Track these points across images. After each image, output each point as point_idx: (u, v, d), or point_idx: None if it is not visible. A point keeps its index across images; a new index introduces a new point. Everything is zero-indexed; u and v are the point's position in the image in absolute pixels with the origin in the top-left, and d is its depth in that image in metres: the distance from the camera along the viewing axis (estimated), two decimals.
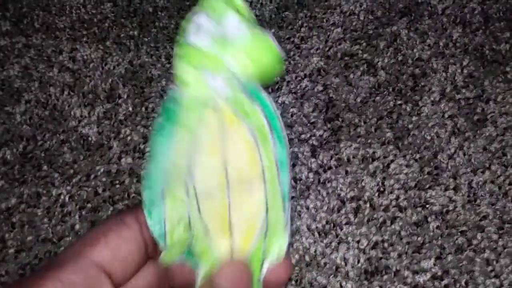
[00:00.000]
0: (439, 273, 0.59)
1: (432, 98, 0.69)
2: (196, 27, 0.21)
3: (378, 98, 0.69)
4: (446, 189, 0.63)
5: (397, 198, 0.63)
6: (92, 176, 0.66)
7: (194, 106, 0.21)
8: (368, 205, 0.63)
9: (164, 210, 0.22)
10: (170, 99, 0.22)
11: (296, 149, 0.67)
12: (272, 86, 0.71)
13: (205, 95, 0.21)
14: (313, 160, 0.66)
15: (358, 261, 0.60)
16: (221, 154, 0.22)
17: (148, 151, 0.22)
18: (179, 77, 0.21)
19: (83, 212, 0.64)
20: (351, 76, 0.71)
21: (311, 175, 0.65)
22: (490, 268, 0.59)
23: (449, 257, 0.59)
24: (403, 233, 0.61)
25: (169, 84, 0.72)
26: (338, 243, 0.61)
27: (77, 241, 0.21)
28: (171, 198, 0.22)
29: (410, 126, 0.67)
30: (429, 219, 0.62)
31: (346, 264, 0.60)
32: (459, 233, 0.61)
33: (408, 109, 0.68)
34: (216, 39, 0.21)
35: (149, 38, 0.76)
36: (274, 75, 0.22)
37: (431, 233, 0.61)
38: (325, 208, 0.63)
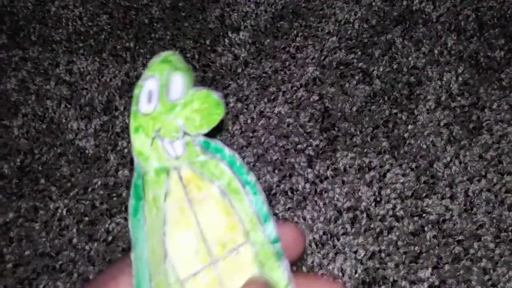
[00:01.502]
0: (436, 283, 0.59)
1: (427, 107, 0.69)
2: (148, 94, 0.21)
3: (373, 107, 0.70)
4: (442, 198, 0.63)
5: (394, 207, 0.63)
6: (90, 189, 0.66)
7: (158, 179, 0.21)
8: (365, 215, 0.63)
9: None
10: (137, 175, 0.21)
11: (292, 160, 0.67)
12: (268, 97, 0.71)
13: (167, 165, 0.21)
14: (309, 170, 0.66)
15: (356, 272, 0.60)
16: (195, 224, 0.21)
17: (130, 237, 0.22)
18: (138, 151, 0.21)
19: (81, 226, 0.64)
20: (347, 85, 0.71)
21: (307, 185, 0.65)
22: (487, 277, 0.59)
23: (446, 267, 0.59)
24: (400, 243, 0.61)
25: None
26: (335, 254, 0.61)
27: (89, 284, 0.21)
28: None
29: (406, 135, 0.67)
30: (425, 229, 0.62)
31: (343, 275, 0.60)
32: (455, 242, 0.61)
33: (404, 117, 0.69)
34: (167, 104, 0.21)
35: (145, 50, 0.76)
36: (220, 125, 0.22)
37: (428, 243, 0.61)
38: (322, 218, 0.63)
